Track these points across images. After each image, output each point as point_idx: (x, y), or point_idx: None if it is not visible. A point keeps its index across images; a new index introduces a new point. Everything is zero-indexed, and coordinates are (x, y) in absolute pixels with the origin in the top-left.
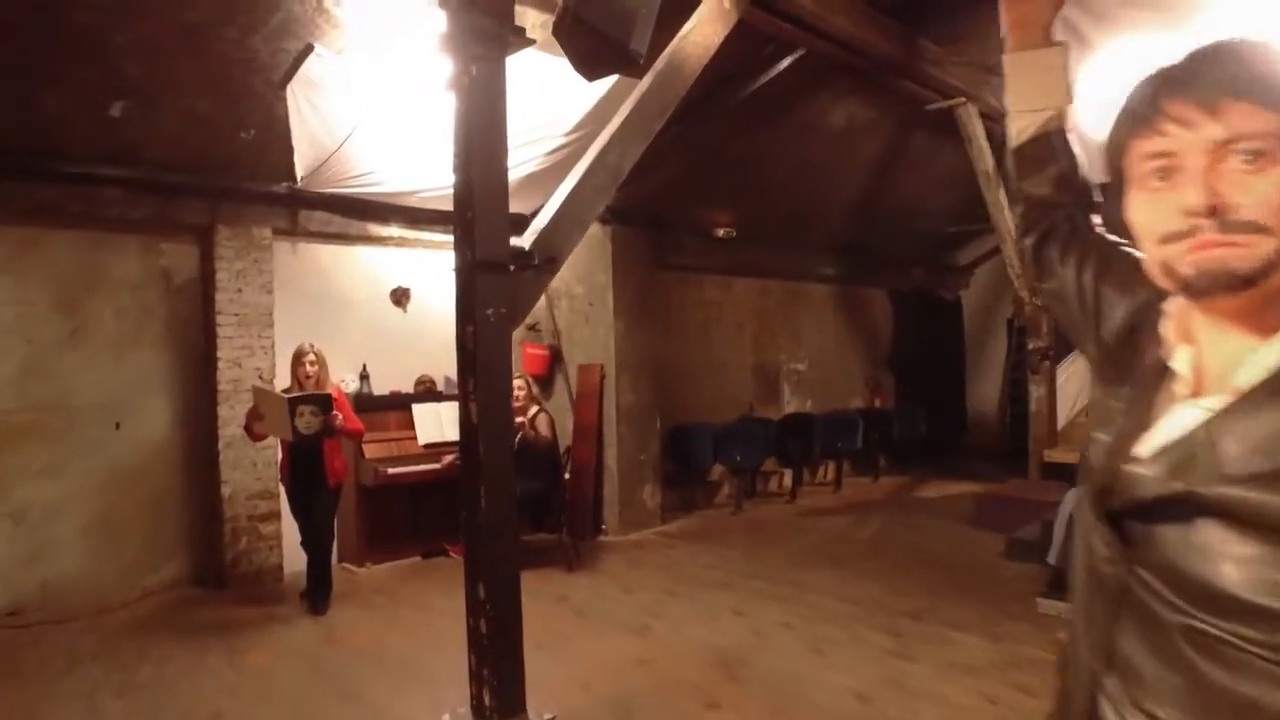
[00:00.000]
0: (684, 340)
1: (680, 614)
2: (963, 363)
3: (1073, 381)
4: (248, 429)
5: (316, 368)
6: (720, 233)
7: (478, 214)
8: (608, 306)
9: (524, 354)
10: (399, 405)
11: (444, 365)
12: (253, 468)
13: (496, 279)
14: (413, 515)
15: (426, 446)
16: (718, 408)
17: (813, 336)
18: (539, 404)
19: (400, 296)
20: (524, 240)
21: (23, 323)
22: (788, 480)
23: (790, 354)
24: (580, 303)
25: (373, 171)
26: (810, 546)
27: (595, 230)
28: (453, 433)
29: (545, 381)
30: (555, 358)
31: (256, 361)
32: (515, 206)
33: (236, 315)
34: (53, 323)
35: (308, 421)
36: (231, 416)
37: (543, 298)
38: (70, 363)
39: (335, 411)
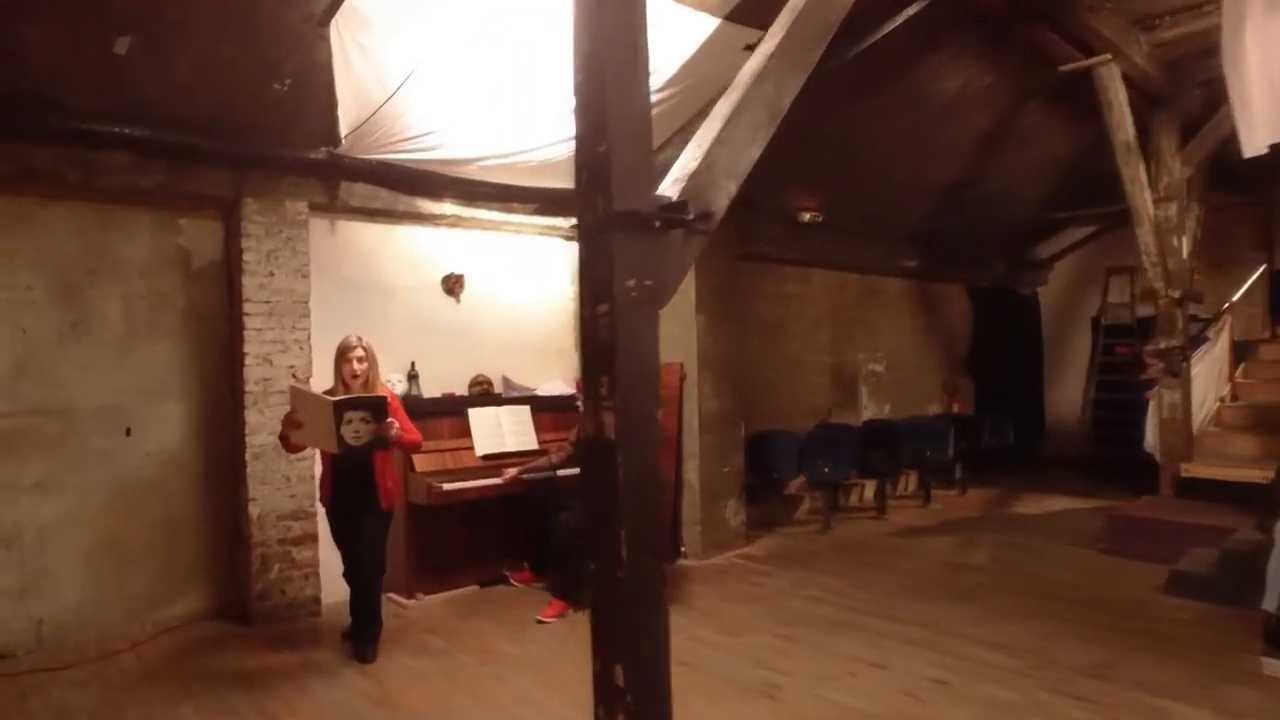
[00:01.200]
0: (760, 337)
1: (807, 666)
2: (1040, 364)
3: (1199, 382)
4: (283, 439)
5: (365, 365)
6: (806, 216)
7: (614, 147)
8: (689, 298)
9: None
10: (452, 410)
11: (501, 364)
12: (285, 483)
13: (641, 240)
14: (468, 537)
15: (485, 458)
16: (794, 413)
17: (889, 335)
18: None
19: (453, 285)
20: (668, 189)
21: (15, 311)
22: (868, 494)
23: (868, 354)
24: None
25: (430, 133)
26: (922, 575)
27: None
28: (515, 443)
29: None
30: None
31: (290, 358)
32: None
33: (267, 304)
34: (50, 312)
35: (357, 430)
36: (261, 423)
37: None
38: (71, 359)
39: (390, 419)
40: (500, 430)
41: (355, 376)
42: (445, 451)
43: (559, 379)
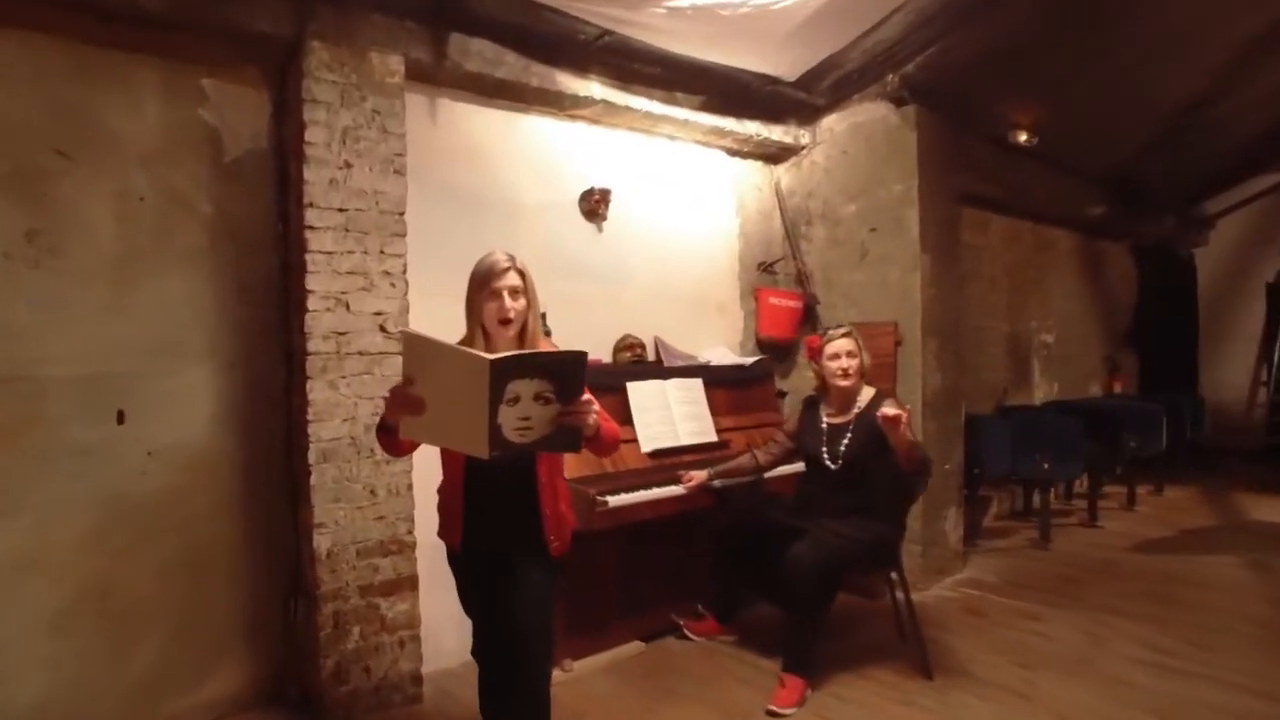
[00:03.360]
0: None
1: None
2: (1195, 339)
3: None
4: (384, 428)
5: (523, 302)
6: (1021, 138)
7: None
8: (909, 233)
9: (760, 306)
10: (603, 384)
11: (652, 320)
12: (370, 498)
13: None
14: (624, 570)
15: (653, 455)
16: (971, 391)
17: (1059, 300)
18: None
19: (595, 205)
20: None
21: None
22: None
23: (1040, 322)
24: (850, 229)
25: None
26: (1272, 624)
27: (885, 113)
28: (690, 433)
29: (784, 351)
30: (808, 313)
31: (376, 300)
32: (775, 61)
33: (341, 212)
34: None
35: (526, 417)
36: (332, 403)
37: (777, 218)
38: (27, 294)
39: (587, 396)
40: (670, 414)
41: (507, 321)
42: None
43: (722, 344)
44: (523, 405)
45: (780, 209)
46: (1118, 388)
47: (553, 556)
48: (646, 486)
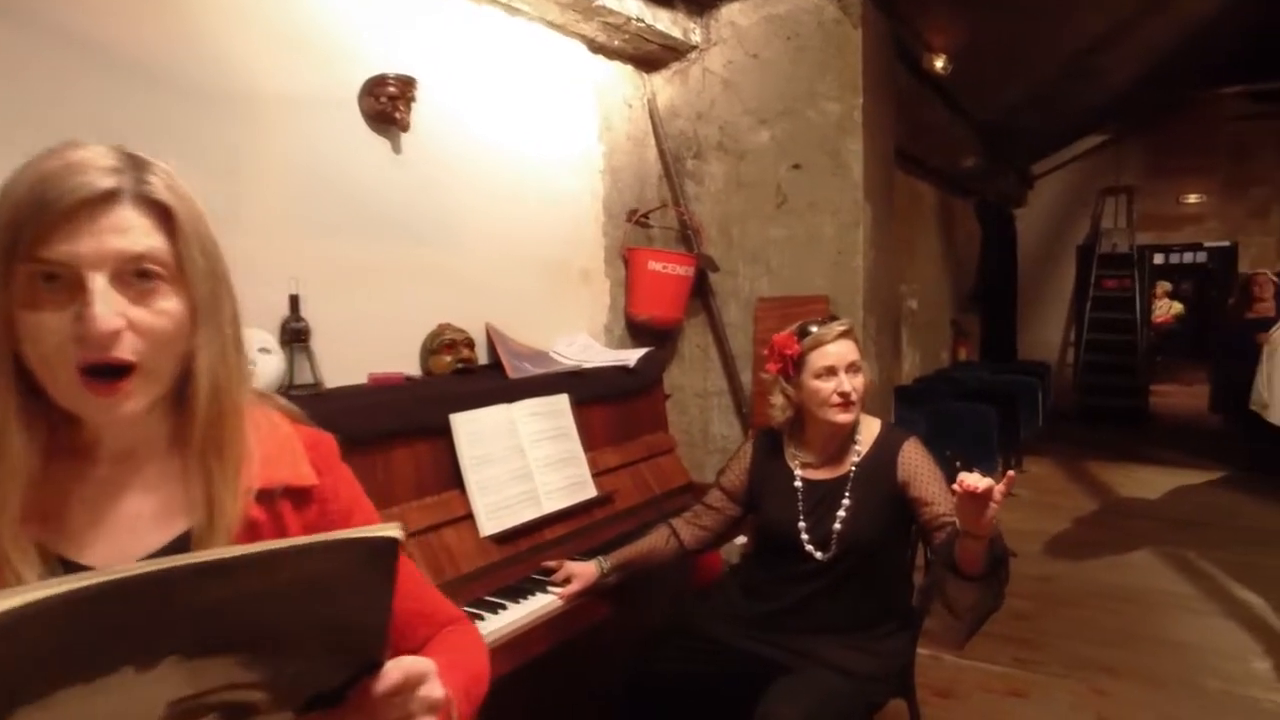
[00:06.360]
0: None
1: None
2: (1014, 300)
3: None
4: None
5: (172, 301)
6: (938, 64)
7: None
8: (849, 173)
9: (634, 274)
10: (409, 423)
11: (485, 297)
12: None
13: None
14: None
15: (500, 541)
16: None
17: (924, 262)
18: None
19: (391, 103)
20: None
21: None
22: None
23: (908, 286)
24: (762, 165)
25: None
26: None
27: (818, 5)
28: (557, 491)
29: (664, 335)
30: (700, 284)
31: None
32: None
33: None
34: None
35: None
36: None
37: (653, 148)
38: None
39: (406, 671)
40: (525, 463)
41: (113, 369)
42: (410, 536)
43: (583, 330)
44: None
45: (656, 135)
46: (963, 354)
47: None
48: (498, 604)
